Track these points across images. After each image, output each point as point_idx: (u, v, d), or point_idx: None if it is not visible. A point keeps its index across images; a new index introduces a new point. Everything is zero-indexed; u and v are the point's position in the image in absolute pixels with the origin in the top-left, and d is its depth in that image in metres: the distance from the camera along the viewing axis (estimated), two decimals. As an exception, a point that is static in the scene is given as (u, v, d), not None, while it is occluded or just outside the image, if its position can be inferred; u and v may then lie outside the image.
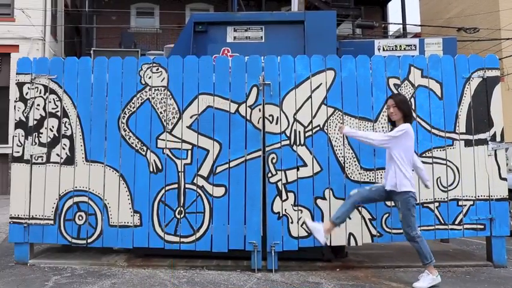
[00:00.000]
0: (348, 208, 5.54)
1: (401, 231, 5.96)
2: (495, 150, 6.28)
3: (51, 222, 6.19)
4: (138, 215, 6.13)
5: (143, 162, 6.18)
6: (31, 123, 6.32)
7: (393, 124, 5.61)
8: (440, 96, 6.31)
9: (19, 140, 6.32)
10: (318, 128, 6.16)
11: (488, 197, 6.23)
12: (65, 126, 6.30)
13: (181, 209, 6.11)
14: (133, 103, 6.26)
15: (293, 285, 5.35)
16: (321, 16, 7.94)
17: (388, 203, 6.03)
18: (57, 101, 6.33)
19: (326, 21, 7.47)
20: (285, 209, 6.04)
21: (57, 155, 6.27)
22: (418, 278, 5.40)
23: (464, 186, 6.23)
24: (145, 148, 6.19)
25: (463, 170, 6.25)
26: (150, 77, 6.30)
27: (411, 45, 7.88)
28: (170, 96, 6.26)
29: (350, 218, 5.95)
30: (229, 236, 6.04)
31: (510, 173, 7.58)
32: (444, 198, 6.19)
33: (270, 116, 6.16)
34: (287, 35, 7.43)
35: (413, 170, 5.61)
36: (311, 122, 6.16)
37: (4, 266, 6.09)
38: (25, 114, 6.34)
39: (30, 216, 6.20)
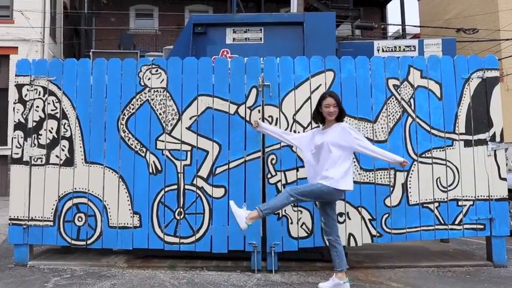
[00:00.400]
0: (279, 203, 5.14)
1: (402, 231, 6.00)
2: (495, 151, 6.28)
3: (51, 223, 6.19)
4: (138, 216, 6.13)
5: (143, 164, 6.17)
6: (30, 124, 6.32)
7: (322, 122, 5.40)
8: (439, 96, 6.31)
9: (18, 142, 6.31)
10: (318, 128, 6.15)
11: (488, 197, 6.23)
12: (64, 127, 6.30)
13: (181, 210, 6.10)
14: (132, 104, 6.26)
15: (293, 286, 5.35)
16: (320, 17, 7.94)
17: (388, 202, 6.03)
18: (56, 102, 6.33)
19: (325, 23, 7.47)
20: (285, 210, 6.03)
21: (57, 156, 6.27)
22: (328, 278, 5.31)
23: (464, 187, 6.23)
24: (144, 149, 6.18)
25: (462, 170, 6.25)
26: (149, 79, 6.30)
27: (410, 46, 7.89)
28: (169, 98, 6.25)
29: (350, 219, 5.96)
30: (229, 237, 6.04)
31: (510, 173, 7.59)
32: (444, 199, 6.19)
33: (269, 116, 6.16)
34: (286, 36, 7.43)
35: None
36: (310, 122, 6.15)
37: (4, 267, 6.08)
38: (24, 116, 6.34)
39: (30, 218, 6.20)
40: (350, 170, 5.17)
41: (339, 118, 5.29)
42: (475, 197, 6.23)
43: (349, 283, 5.13)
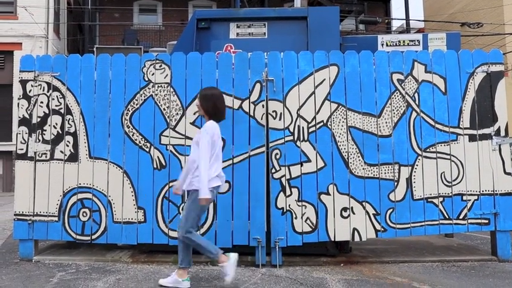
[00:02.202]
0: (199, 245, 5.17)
1: (406, 226, 5.99)
2: (499, 145, 6.27)
3: (56, 218, 6.21)
4: (142, 211, 6.14)
5: (147, 159, 6.18)
6: (35, 120, 6.33)
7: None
8: (444, 91, 6.30)
9: (23, 137, 6.33)
10: (322, 123, 6.15)
11: (492, 192, 6.22)
12: (68, 123, 6.31)
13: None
14: (136, 100, 6.26)
15: (297, 281, 5.36)
16: (324, 12, 7.91)
17: (392, 197, 6.05)
18: (60, 98, 6.34)
19: (329, 17, 7.46)
20: (289, 205, 6.04)
21: (61, 151, 6.28)
22: (169, 274, 5.33)
23: (469, 181, 6.22)
24: (148, 144, 6.19)
25: (467, 164, 6.24)
26: (153, 74, 6.30)
27: (415, 41, 7.86)
28: (173, 93, 6.26)
29: (354, 213, 5.98)
30: (233, 232, 6.05)
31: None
32: (448, 193, 6.19)
33: (273, 111, 6.16)
34: (290, 31, 7.42)
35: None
36: (314, 117, 6.15)
37: (9, 262, 6.11)
38: (29, 112, 6.35)
39: (35, 213, 6.21)
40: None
41: (210, 117, 5.24)
42: (479, 191, 6.22)
43: (188, 282, 5.10)
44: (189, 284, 5.10)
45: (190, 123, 6.20)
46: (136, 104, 6.26)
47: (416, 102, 6.24)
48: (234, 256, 5.12)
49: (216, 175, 5.12)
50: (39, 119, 6.33)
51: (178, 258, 5.17)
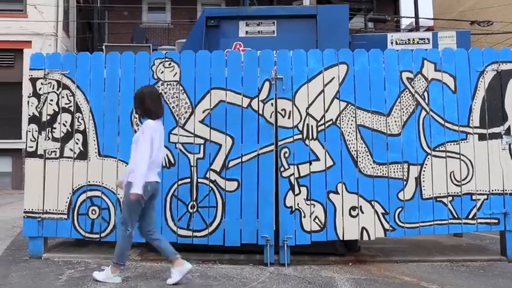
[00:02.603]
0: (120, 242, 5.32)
1: (415, 225, 5.98)
2: (509, 144, 6.23)
3: (65, 216, 6.23)
4: (151, 209, 6.14)
5: (156, 157, 6.19)
6: (44, 118, 6.36)
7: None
8: (453, 89, 6.27)
9: (33, 135, 6.35)
10: (331, 122, 6.14)
11: (502, 191, 6.19)
12: (78, 121, 6.33)
13: (194, 203, 6.12)
14: (145, 98, 6.27)
15: (306, 280, 5.36)
16: (334, 10, 7.91)
17: (401, 196, 6.03)
18: (70, 96, 6.36)
19: (338, 15, 7.45)
20: (298, 203, 6.04)
21: (71, 149, 6.30)
22: (103, 268, 5.39)
23: (478, 181, 6.19)
24: (158, 143, 6.19)
25: (476, 164, 6.20)
26: (162, 72, 6.31)
27: (424, 39, 7.83)
28: (182, 91, 6.26)
29: (363, 212, 5.97)
30: (241, 230, 6.05)
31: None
32: (458, 193, 6.16)
33: (282, 110, 6.15)
34: (299, 29, 7.41)
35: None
36: (324, 116, 6.14)
37: (19, 259, 6.14)
38: (38, 110, 6.38)
39: (44, 211, 6.24)
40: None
41: (147, 116, 5.32)
42: (489, 191, 6.19)
43: (119, 278, 5.19)
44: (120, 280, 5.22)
45: (200, 121, 6.20)
46: (146, 102, 6.26)
47: (426, 100, 6.22)
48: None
49: (153, 169, 5.22)
50: (49, 117, 6.35)
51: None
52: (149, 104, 5.27)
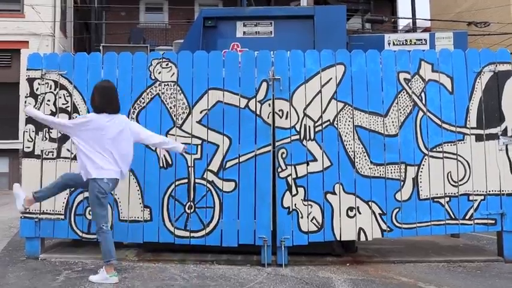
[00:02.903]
0: (53, 188, 5.52)
1: (412, 225, 5.98)
2: (506, 145, 6.24)
3: (62, 217, 6.22)
4: (148, 210, 6.14)
5: (153, 157, 6.19)
6: (42, 118, 6.34)
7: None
8: (450, 90, 6.27)
9: (30, 136, 6.34)
10: (328, 122, 6.14)
11: (499, 192, 6.19)
12: (75, 121, 6.31)
13: (191, 203, 6.12)
14: (143, 98, 6.27)
15: (303, 280, 5.36)
16: (331, 11, 7.91)
17: (398, 197, 6.04)
18: (67, 96, 6.35)
19: (336, 16, 7.46)
20: (295, 204, 6.03)
21: (68, 150, 6.29)
22: (98, 271, 5.38)
23: (475, 181, 6.20)
24: (155, 143, 6.19)
25: (473, 164, 6.21)
26: (159, 72, 6.31)
27: (422, 40, 7.84)
28: (180, 91, 6.26)
29: (360, 213, 5.97)
30: (239, 231, 6.05)
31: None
32: (455, 193, 6.17)
33: (279, 110, 6.15)
34: (297, 29, 7.42)
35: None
36: (321, 116, 6.14)
37: (16, 260, 6.13)
38: (36, 110, 6.36)
39: (41, 211, 6.22)
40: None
41: (94, 109, 5.49)
42: (486, 191, 6.20)
43: (116, 277, 5.22)
44: (117, 279, 5.23)
45: (197, 121, 6.20)
46: (143, 103, 6.26)
47: (423, 101, 6.23)
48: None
49: (109, 168, 5.30)
50: (46, 117, 6.34)
51: (102, 254, 5.32)
52: (96, 98, 5.44)
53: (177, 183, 6.14)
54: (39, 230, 6.22)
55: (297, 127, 6.14)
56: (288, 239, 5.99)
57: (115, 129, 5.35)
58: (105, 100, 5.42)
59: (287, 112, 6.15)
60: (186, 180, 6.15)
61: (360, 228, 6.06)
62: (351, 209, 6.03)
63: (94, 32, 21.33)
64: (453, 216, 6.15)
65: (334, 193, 6.06)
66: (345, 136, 6.13)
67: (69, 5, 20.20)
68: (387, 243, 7.08)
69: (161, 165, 6.17)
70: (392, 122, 6.18)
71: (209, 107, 6.20)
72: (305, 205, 6.06)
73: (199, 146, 6.17)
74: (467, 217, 6.17)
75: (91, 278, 5.25)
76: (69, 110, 6.33)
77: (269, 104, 6.16)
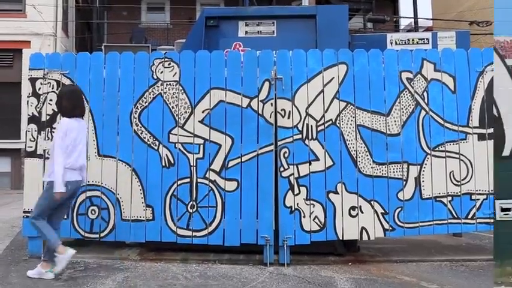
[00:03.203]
0: (47, 228, 5.40)
1: (414, 225, 5.98)
2: (509, 144, 6.24)
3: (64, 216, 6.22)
4: (151, 209, 6.15)
5: (155, 157, 6.19)
6: (44, 118, 6.35)
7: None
8: (453, 90, 6.27)
9: (32, 135, 6.35)
10: (330, 122, 6.14)
11: (501, 191, 6.19)
12: (77, 121, 6.32)
13: (194, 203, 6.12)
14: (145, 98, 6.27)
15: (305, 279, 5.36)
16: (333, 10, 7.92)
17: (400, 196, 6.04)
18: (69, 96, 6.35)
19: (338, 15, 7.47)
20: (297, 203, 6.04)
21: (70, 149, 6.29)
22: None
23: (478, 181, 6.20)
24: (157, 143, 6.20)
25: (476, 164, 6.21)
26: (162, 72, 6.31)
27: (424, 39, 7.84)
28: (182, 91, 6.26)
29: (362, 212, 5.97)
30: (241, 230, 6.05)
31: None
32: (457, 192, 6.17)
33: (282, 110, 6.15)
34: (299, 29, 7.43)
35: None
36: (323, 116, 6.14)
37: (18, 259, 6.13)
38: (38, 110, 6.37)
39: (44, 211, 6.22)
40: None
41: (63, 114, 5.58)
42: (488, 191, 6.19)
43: (52, 273, 5.27)
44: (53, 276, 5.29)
45: (199, 121, 6.20)
46: (145, 102, 6.26)
47: (425, 100, 6.22)
48: (70, 252, 5.24)
49: (72, 168, 5.36)
50: (48, 117, 6.35)
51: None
52: (65, 103, 5.48)
53: (179, 182, 6.15)
54: (42, 229, 6.22)
55: (299, 126, 6.13)
56: (290, 238, 5.99)
57: (83, 132, 5.58)
58: (74, 104, 5.53)
59: (289, 111, 6.15)
60: (188, 180, 6.15)
61: (362, 228, 6.06)
62: (353, 208, 6.03)
63: (96, 32, 21.34)
64: (455, 216, 6.15)
65: (336, 192, 6.06)
66: (347, 135, 6.13)
67: (71, 5, 20.19)
68: (389, 242, 7.07)
69: (163, 164, 6.17)
70: (395, 121, 6.18)
71: (211, 107, 6.20)
72: (307, 204, 6.05)
73: (201, 146, 6.17)
74: (469, 216, 6.17)
75: (28, 272, 5.37)
76: (72, 110, 6.32)
77: (271, 104, 6.16)
